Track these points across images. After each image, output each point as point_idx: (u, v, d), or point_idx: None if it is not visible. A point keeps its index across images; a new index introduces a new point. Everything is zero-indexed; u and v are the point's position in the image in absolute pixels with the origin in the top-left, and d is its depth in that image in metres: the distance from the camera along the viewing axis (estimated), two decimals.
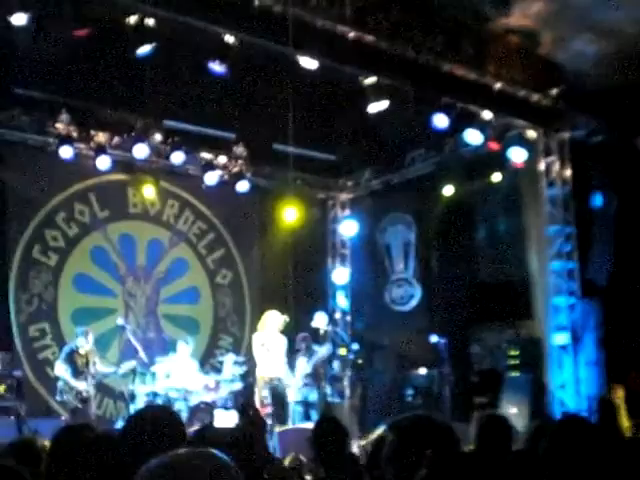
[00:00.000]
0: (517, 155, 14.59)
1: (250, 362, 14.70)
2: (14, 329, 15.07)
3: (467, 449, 6.03)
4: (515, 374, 14.62)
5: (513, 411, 13.45)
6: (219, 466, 1.82)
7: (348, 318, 18.63)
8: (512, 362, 14.78)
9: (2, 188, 15.01)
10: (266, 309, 16.77)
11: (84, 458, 3.13)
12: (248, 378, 14.44)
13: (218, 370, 15.10)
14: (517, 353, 14.76)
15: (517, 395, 14.19)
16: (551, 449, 3.72)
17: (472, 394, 15.21)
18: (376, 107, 12.91)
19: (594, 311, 14.34)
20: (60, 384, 13.52)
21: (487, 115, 14.19)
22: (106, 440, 3.27)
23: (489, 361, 15.58)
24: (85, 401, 13.51)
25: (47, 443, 5.84)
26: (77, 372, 13.45)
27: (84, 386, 13.42)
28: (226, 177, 16.52)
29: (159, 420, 3.69)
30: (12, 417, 12.60)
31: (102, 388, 15.02)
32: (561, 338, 14.41)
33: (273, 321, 14.22)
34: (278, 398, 13.65)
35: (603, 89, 13.44)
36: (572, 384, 14.18)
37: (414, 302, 17.38)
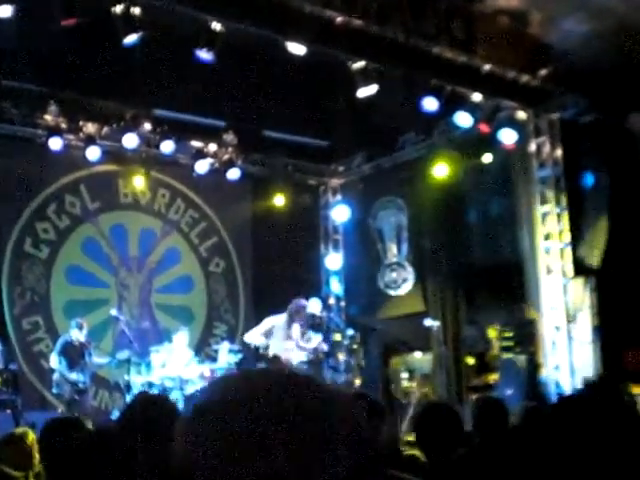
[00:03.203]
0: (507, 136, 14.58)
1: (246, 350, 14.76)
2: (8, 322, 15.05)
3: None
4: (510, 356, 14.62)
5: (508, 392, 13.47)
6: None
7: (342, 303, 18.62)
8: (506, 344, 14.79)
9: None
10: (260, 296, 16.88)
11: (76, 454, 3.12)
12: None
13: (213, 359, 15.11)
14: (511, 335, 14.76)
15: (512, 377, 14.20)
16: (547, 431, 3.71)
17: (467, 376, 15.26)
18: (365, 91, 12.88)
19: (587, 291, 14.34)
20: (56, 376, 13.54)
21: (477, 97, 14.15)
22: (99, 435, 3.26)
23: (483, 343, 15.60)
24: (81, 393, 13.54)
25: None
26: (72, 364, 13.46)
27: (80, 378, 13.44)
28: (217, 165, 16.49)
29: (152, 406, 3.70)
30: (8, 411, 12.57)
31: (97, 379, 15.01)
32: (555, 318, 14.43)
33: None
34: None
35: (592, 69, 13.41)
36: (567, 364, 14.19)
37: (408, 286, 17.37)
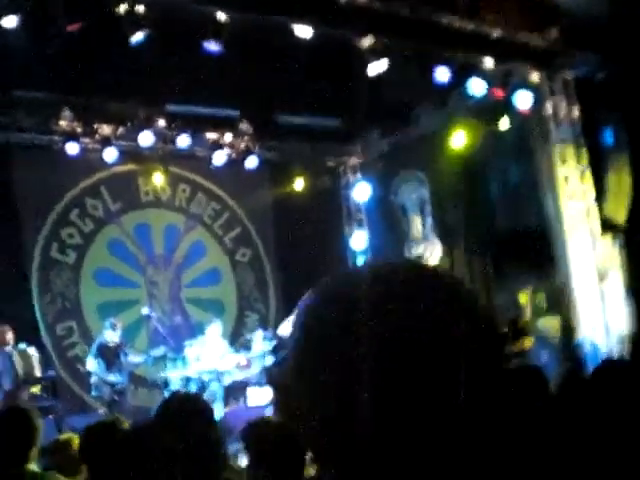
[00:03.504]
0: (523, 100, 14.48)
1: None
2: (42, 330, 15.17)
3: None
4: (543, 320, 14.58)
5: (544, 357, 13.44)
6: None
7: None
8: (538, 308, 14.74)
9: (13, 191, 15.03)
10: (288, 282, 16.85)
11: (116, 455, 3.13)
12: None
13: (248, 348, 15.14)
14: (543, 299, 14.71)
15: (546, 341, 14.17)
16: (589, 396, 3.72)
17: (501, 344, 15.22)
18: (376, 68, 12.83)
19: (616, 248, 14.26)
20: (94, 379, 13.62)
21: (489, 63, 14.06)
22: (136, 434, 3.28)
23: (515, 310, 15.55)
24: (121, 393, 13.61)
25: None
26: (109, 365, 13.53)
27: (118, 378, 13.51)
28: (234, 155, 16.46)
29: (185, 404, 3.75)
30: (51, 417, 12.62)
31: (134, 378, 15.08)
32: (585, 279, 14.35)
33: None
34: None
35: (602, 25, 13.30)
36: (601, 324, 14.12)
37: (434, 259, 17.33)
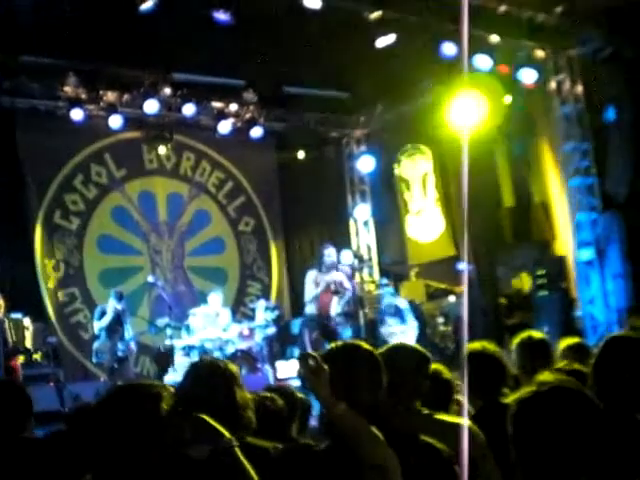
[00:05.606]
0: (527, 76, 14.56)
1: (283, 307, 14.87)
2: (44, 296, 15.19)
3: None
4: (543, 293, 14.66)
5: (544, 329, 13.53)
6: None
7: (374, 254, 18.68)
8: (539, 282, 14.81)
9: (17, 156, 15.06)
10: (291, 252, 16.88)
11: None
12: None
13: (250, 317, 15.22)
14: (543, 272, 14.78)
15: (547, 313, 14.27)
16: (599, 367, 3.79)
17: (502, 316, 15.34)
18: (384, 41, 12.87)
19: (616, 224, 14.33)
20: (96, 345, 13.65)
21: (494, 39, 14.08)
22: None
23: (516, 283, 15.65)
24: (122, 361, 13.63)
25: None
26: (111, 333, 13.55)
27: (120, 346, 13.54)
28: (239, 124, 16.49)
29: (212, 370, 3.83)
30: (51, 384, 12.63)
31: (137, 346, 15.10)
32: (586, 254, 14.44)
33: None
34: (331, 337, 13.39)
35: (607, 2, 13.32)
36: (600, 298, 14.24)
37: (437, 231, 17.41)
